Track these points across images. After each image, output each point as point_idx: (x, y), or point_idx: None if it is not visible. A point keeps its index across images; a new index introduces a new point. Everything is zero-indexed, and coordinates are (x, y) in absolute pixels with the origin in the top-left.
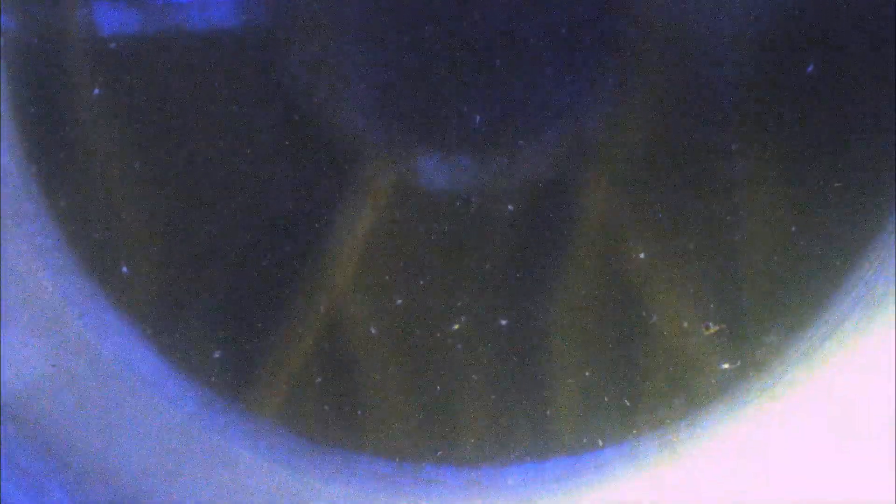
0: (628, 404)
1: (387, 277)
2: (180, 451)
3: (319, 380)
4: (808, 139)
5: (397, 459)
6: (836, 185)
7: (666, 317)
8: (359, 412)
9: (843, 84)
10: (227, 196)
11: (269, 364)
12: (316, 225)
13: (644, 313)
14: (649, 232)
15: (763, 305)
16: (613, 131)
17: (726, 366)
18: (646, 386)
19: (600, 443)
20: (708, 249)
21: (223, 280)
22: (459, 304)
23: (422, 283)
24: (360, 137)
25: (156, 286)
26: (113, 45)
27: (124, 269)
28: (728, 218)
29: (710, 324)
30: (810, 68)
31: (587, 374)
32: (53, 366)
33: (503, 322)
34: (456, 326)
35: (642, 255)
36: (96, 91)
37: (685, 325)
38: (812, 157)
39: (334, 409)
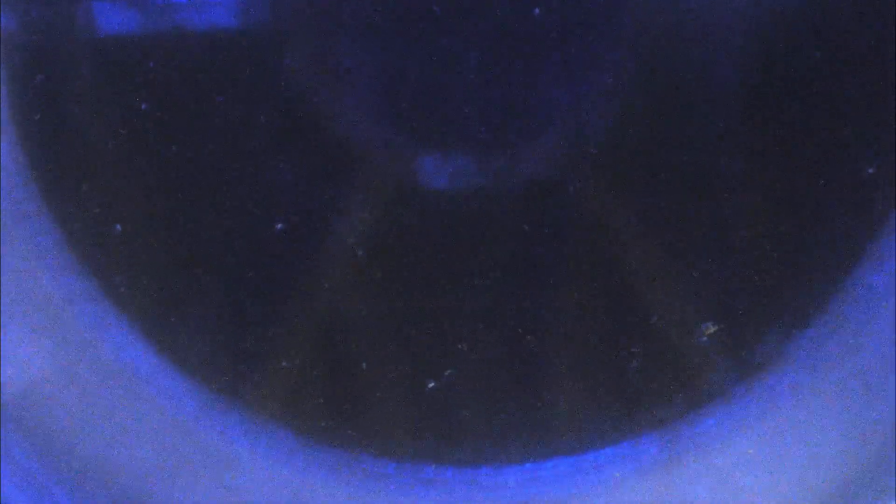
0: (628, 404)
1: (387, 277)
2: (180, 451)
3: (319, 379)
4: (808, 140)
5: (397, 459)
6: (836, 184)
7: (666, 317)
8: (359, 412)
9: (844, 84)
10: (227, 195)
11: (268, 364)
12: (316, 224)
13: (644, 313)
14: (649, 232)
15: (763, 305)
16: (613, 131)
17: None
18: (646, 386)
19: (600, 443)
20: (708, 249)
21: (223, 280)
22: (460, 303)
23: (422, 282)
24: (361, 137)
25: (155, 286)
26: (113, 45)
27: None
28: (728, 218)
29: (710, 324)
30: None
31: (587, 374)
32: (53, 366)
33: (504, 321)
34: (456, 326)
35: (642, 255)
36: (103, 88)
37: (684, 325)
38: (812, 157)
39: (334, 409)
